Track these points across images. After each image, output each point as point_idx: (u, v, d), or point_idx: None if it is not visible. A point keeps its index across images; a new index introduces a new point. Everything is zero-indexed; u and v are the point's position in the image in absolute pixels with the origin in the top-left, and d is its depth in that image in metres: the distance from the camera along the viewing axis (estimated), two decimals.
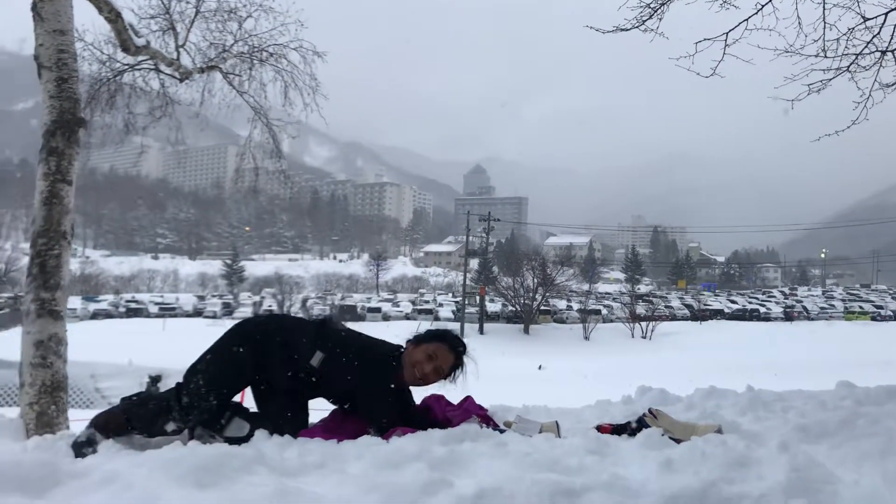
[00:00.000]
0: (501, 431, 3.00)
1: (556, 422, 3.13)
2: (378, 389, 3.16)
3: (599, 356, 47.05)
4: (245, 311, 73.14)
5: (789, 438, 2.69)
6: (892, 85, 7.71)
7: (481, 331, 60.80)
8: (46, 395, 4.42)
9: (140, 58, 8.30)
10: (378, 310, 71.01)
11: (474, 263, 78.67)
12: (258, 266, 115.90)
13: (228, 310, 74.43)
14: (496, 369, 40.80)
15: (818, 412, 3.18)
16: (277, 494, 2.10)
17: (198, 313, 73.08)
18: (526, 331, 61.51)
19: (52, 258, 4.61)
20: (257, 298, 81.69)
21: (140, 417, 3.24)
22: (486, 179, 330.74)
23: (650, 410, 3.03)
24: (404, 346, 3.43)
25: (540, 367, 43.45)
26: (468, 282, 66.73)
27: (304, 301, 75.01)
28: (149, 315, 68.91)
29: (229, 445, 2.80)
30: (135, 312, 68.71)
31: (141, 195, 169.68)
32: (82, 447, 3.09)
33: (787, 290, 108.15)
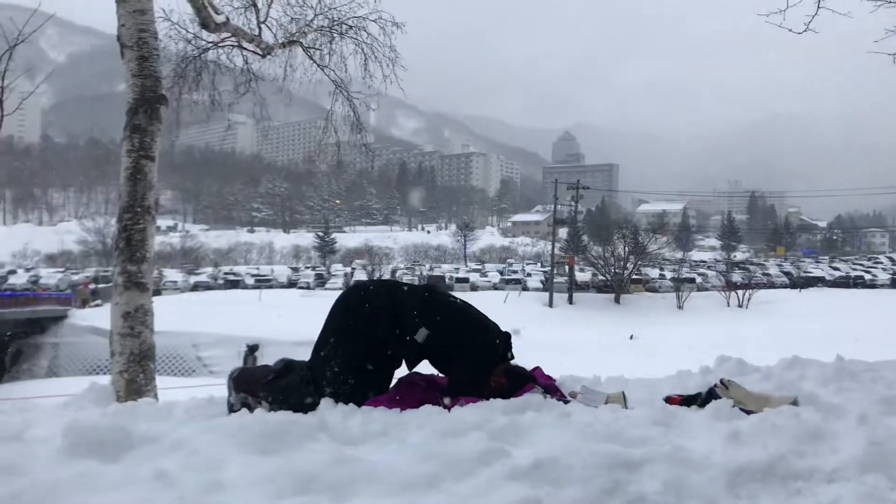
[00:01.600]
0: (566, 402, 2.96)
1: (623, 392, 3.06)
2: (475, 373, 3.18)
3: (693, 325, 45.98)
4: (337, 282, 74.76)
5: (871, 410, 2.55)
6: None
7: (570, 300, 60.29)
8: (135, 364, 4.62)
9: (222, 35, 8.47)
10: (466, 280, 71.26)
11: (563, 233, 77.84)
12: (349, 238, 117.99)
13: (321, 281, 76.15)
14: (585, 338, 40.56)
15: None
16: (335, 461, 2.13)
17: (292, 284, 75.01)
18: (617, 300, 60.60)
19: (137, 232, 4.79)
20: (348, 270, 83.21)
21: (283, 388, 3.30)
22: (575, 146, 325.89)
23: (721, 381, 2.92)
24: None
25: (631, 337, 42.82)
26: (557, 251, 66.15)
27: (394, 272, 76.01)
28: (245, 287, 71.12)
29: (293, 414, 2.86)
30: (233, 284, 71.03)
31: (237, 171, 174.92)
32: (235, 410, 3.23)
33: (894, 256, 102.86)
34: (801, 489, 1.95)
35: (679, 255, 78.90)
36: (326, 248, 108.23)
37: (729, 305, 58.31)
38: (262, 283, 72.19)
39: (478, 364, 3.15)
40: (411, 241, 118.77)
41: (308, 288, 71.67)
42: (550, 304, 58.36)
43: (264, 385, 3.29)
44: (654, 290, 64.35)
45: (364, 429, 2.54)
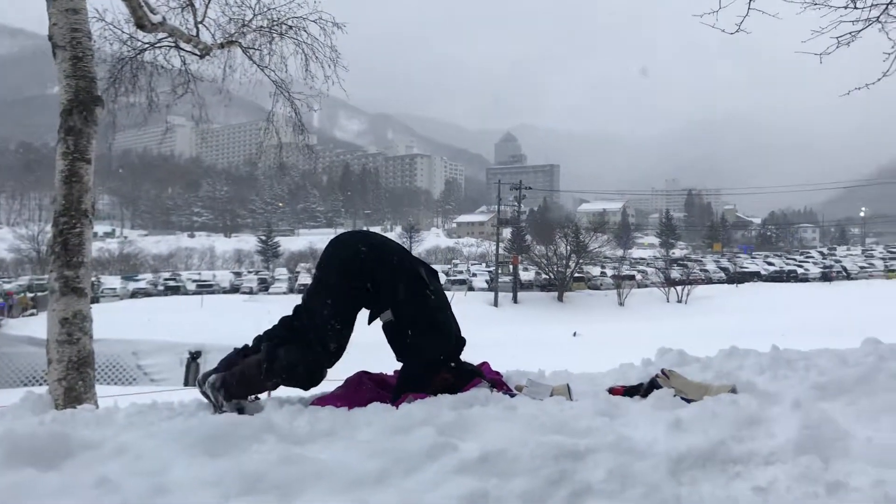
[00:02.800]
0: (513, 395, 2.99)
1: (567, 385, 3.10)
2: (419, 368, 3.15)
3: (634, 322, 46.81)
4: (282, 286, 73.90)
5: (804, 396, 2.63)
6: None
7: (515, 299, 60.84)
8: (73, 371, 4.50)
9: (159, 35, 8.31)
10: None
11: (507, 232, 78.45)
12: (293, 241, 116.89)
13: (265, 285, 75.24)
14: (530, 336, 40.91)
15: (838, 369, 3.11)
16: (281, 461, 2.11)
17: (235, 290, 74.00)
18: (560, 298, 61.38)
19: (73, 236, 4.66)
20: (293, 274, 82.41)
21: (286, 366, 3.20)
22: (517, 148, 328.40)
23: (662, 371, 2.99)
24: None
25: (574, 334, 43.40)
26: (501, 251, 66.64)
27: None
28: (187, 292, 69.85)
29: (239, 415, 2.83)
30: (173, 290, 69.69)
31: (176, 174, 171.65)
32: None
33: (825, 251, 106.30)
34: (740, 472, 2.01)
35: (619, 253, 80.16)
36: (270, 252, 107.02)
37: (668, 301, 59.53)
38: (204, 288, 70.97)
39: (427, 365, 3.14)
40: None
41: (251, 293, 70.78)
42: (496, 304, 58.80)
43: (266, 374, 3.20)
44: (596, 288, 65.33)
45: (312, 428, 2.52)
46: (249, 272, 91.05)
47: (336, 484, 2.03)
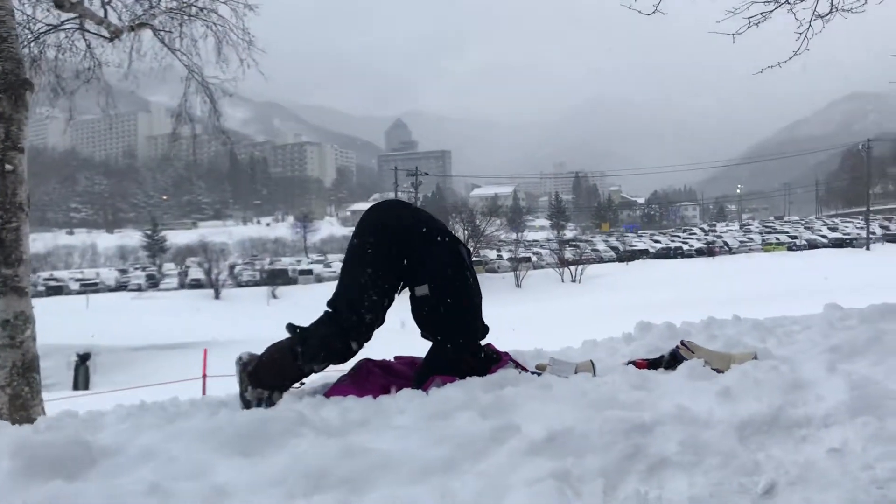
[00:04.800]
0: (539, 375, 2.95)
1: (591, 361, 3.09)
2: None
3: (532, 302, 47.71)
4: (172, 282, 71.46)
5: (826, 359, 2.71)
6: (827, 15, 7.86)
7: None
8: (19, 377, 4.17)
9: (65, 16, 7.80)
10: (310, 272, 70.37)
11: None
12: (180, 235, 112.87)
13: (153, 282, 72.61)
14: None
15: (838, 333, 3.23)
16: (343, 454, 1.99)
17: (121, 287, 71.12)
18: None
19: (9, 232, 4.31)
20: (182, 268, 79.83)
21: (322, 348, 3.00)
22: (407, 134, 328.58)
23: (683, 342, 3.02)
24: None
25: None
26: None
27: (232, 268, 73.63)
28: (70, 292, 66.52)
29: (265, 410, 2.67)
30: (55, 291, 66.13)
31: (50, 168, 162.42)
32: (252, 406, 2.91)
33: (706, 227, 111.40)
34: (805, 436, 2.04)
35: (513, 236, 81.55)
36: (156, 247, 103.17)
37: (563, 281, 61.03)
38: (88, 287, 67.72)
39: (459, 347, 3.03)
40: (247, 235, 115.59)
41: (140, 290, 68.19)
42: None
43: (304, 357, 3.00)
44: (494, 271, 66.27)
45: (343, 418, 2.40)
46: (136, 268, 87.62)
47: (405, 474, 1.94)
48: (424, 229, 3.07)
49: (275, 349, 3.08)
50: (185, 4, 9.12)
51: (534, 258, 70.52)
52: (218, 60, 9.44)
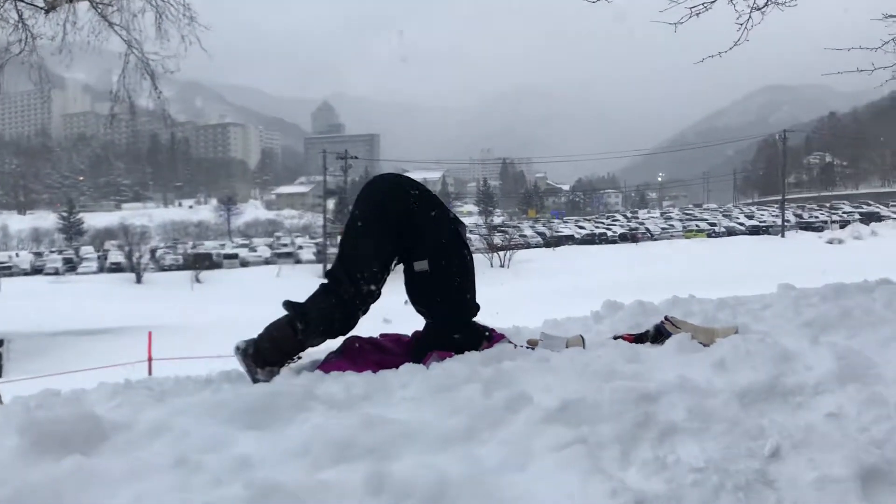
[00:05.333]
0: (532, 349, 3.02)
1: (581, 336, 3.18)
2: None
3: None
4: (91, 265, 69.27)
5: (807, 333, 2.87)
6: (764, 7, 8.17)
7: None
8: None
9: None
10: (235, 256, 69.18)
11: (330, 203, 77.76)
12: (98, 217, 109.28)
13: (71, 265, 70.24)
14: None
15: (806, 310, 3.41)
16: (365, 425, 2.01)
17: (37, 271, 68.57)
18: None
19: None
20: (101, 252, 77.44)
21: (322, 321, 3.01)
22: (335, 117, 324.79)
23: (666, 318, 3.14)
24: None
25: (406, 303, 43.99)
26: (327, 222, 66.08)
27: (154, 251, 71.79)
28: None
29: (271, 384, 2.66)
30: None
31: None
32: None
33: (628, 214, 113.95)
34: (801, 403, 2.16)
35: None
36: (73, 230, 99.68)
37: (493, 266, 61.64)
38: (2, 270, 65.03)
39: (455, 324, 3.07)
40: (169, 218, 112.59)
41: (57, 274, 65.86)
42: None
43: (304, 332, 3.00)
44: None
45: (348, 392, 2.41)
46: (52, 251, 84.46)
47: (428, 442, 1.97)
48: (424, 205, 3.10)
49: (273, 328, 3.06)
50: None
51: None
52: (157, 36, 9.21)
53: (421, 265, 3.02)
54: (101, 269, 67.95)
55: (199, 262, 62.98)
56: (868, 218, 78.39)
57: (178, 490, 1.73)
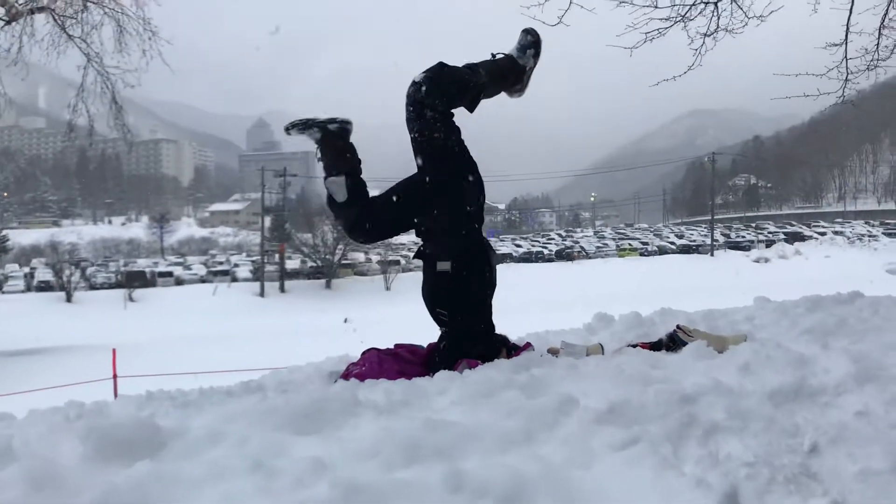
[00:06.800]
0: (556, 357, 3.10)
1: (601, 343, 3.28)
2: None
3: (401, 305, 47.94)
4: (18, 284, 66.90)
5: (815, 339, 3.03)
6: (713, 33, 8.53)
7: (282, 289, 60.02)
8: None
9: None
10: (170, 274, 67.56)
11: (266, 221, 76.84)
12: (24, 234, 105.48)
13: None
14: (300, 325, 40.58)
15: (801, 319, 3.59)
16: (428, 426, 2.07)
17: None
18: (328, 286, 61.53)
19: None
20: (27, 269, 74.63)
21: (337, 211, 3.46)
22: (270, 134, 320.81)
23: (679, 326, 3.27)
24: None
25: (346, 321, 43.85)
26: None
27: (84, 269, 69.61)
28: None
29: (318, 392, 2.68)
30: None
31: None
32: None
33: (563, 233, 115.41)
34: (828, 402, 2.30)
35: None
36: None
37: None
38: None
39: (478, 330, 3.14)
40: (99, 236, 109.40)
41: None
42: (262, 294, 57.71)
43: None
44: (363, 274, 66.19)
45: (389, 399, 2.47)
46: None
47: (491, 443, 2.04)
48: (470, 209, 3.22)
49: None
50: None
51: (403, 261, 70.83)
52: (117, 49, 9.09)
53: (443, 265, 3.10)
54: (28, 288, 65.53)
55: (133, 281, 61.36)
56: (792, 237, 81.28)
57: (263, 492, 1.77)
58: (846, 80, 8.33)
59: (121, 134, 10.46)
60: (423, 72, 3.26)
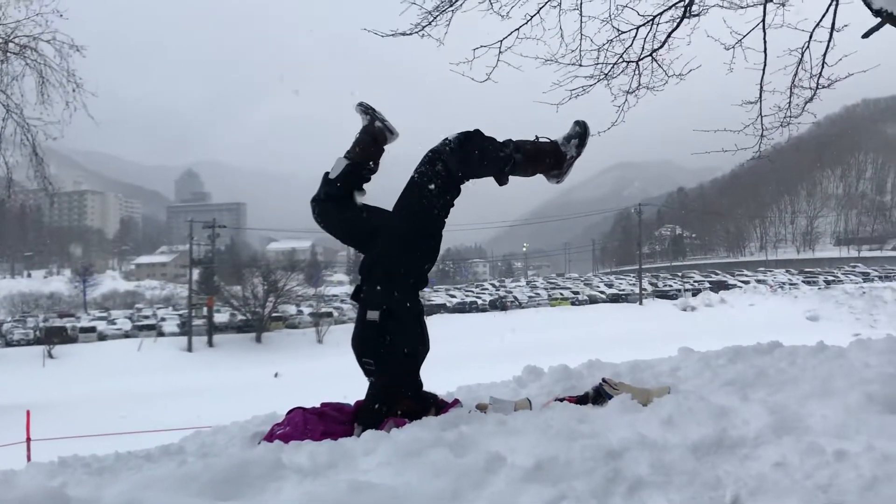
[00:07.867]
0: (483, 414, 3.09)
1: (528, 399, 3.28)
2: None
3: (334, 357, 47.36)
4: None
5: (734, 391, 3.10)
6: (635, 91, 8.85)
7: (210, 343, 58.61)
8: None
9: None
10: (93, 329, 65.27)
11: (195, 273, 75.28)
12: None
13: None
14: (229, 380, 39.64)
15: (722, 371, 3.68)
16: (353, 490, 2.03)
17: None
18: (258, 339, 60.38)
19: None
20: None
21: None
22: (199, 185, 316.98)
23: (604, 380, 3.30)
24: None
25: (276, 375, 43.01)
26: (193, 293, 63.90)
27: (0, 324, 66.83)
28: None
29: (238, 455, 2.60)
30: None
31: None
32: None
33: (496, 283, 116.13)
34: (747, 454, 2.36)
35: (312, 290, 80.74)
36: None
37: None
38: None
39: (401, 382, 3.11)
40: (17, 290, 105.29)
41: None
42: (190, 349, 56.27)
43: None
44: (294, 327, 65.23)
45: (314, 461, 2.41)
46: None
47: None
48: (418, 261, 3.24)
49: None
50: (4, 41, 8.54)
51: (335, 313, 70.08)
52: (39, 101, 8.90)
53: (372, 314, 3.09)
54: None
55: (53, 337, 59.05)
56: (717, 286, 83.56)
57: None
58: (762, 135, 8.70)
59: (41, 185, 10.14)
60: (458, 132, 3.38)
